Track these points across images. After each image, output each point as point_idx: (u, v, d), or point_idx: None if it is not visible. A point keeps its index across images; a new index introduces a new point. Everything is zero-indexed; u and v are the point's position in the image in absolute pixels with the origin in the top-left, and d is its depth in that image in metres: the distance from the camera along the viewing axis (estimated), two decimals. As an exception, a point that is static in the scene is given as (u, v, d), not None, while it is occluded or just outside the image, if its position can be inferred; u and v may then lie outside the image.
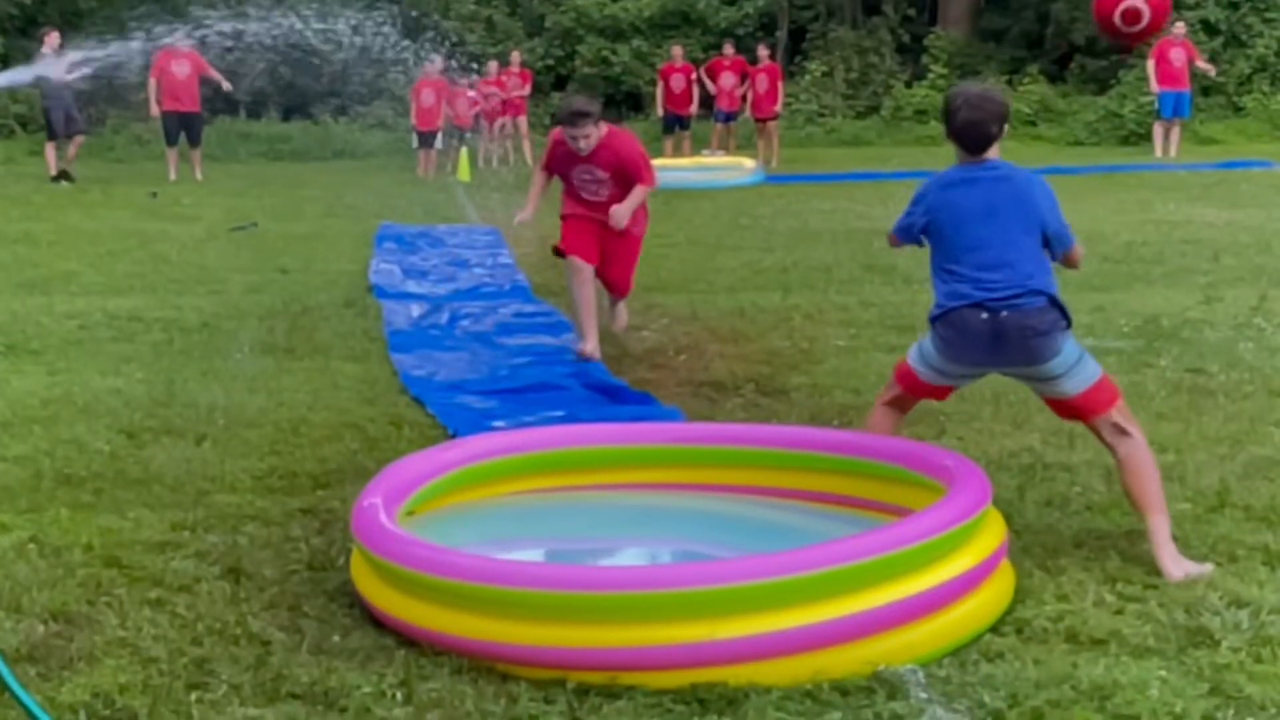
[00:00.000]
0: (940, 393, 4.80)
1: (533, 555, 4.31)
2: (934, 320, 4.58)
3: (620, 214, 7.50)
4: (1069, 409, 4.55)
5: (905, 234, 4.84)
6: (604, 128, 7.53)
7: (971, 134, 4.60)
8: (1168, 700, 3.33)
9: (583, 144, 7.42)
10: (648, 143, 25.67)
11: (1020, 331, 4.42)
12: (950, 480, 4.07)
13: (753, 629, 3.44)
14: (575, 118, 7.42)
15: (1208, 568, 4.23)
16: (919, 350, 4.71)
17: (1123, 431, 4.46)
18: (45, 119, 19.94)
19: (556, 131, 7.74)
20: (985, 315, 4.44)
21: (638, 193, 7.60)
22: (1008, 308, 4.42)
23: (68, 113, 19.62)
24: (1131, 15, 6.01)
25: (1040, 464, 5.37)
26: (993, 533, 3.98)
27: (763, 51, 23.12)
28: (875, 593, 3.57)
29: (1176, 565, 4.20)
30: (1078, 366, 4.47)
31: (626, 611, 3.47)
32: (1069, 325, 4.50)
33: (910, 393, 4.78)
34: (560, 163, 7.71)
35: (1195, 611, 3.87)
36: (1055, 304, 4.48)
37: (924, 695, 3.37)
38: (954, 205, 4.62)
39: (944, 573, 3.69)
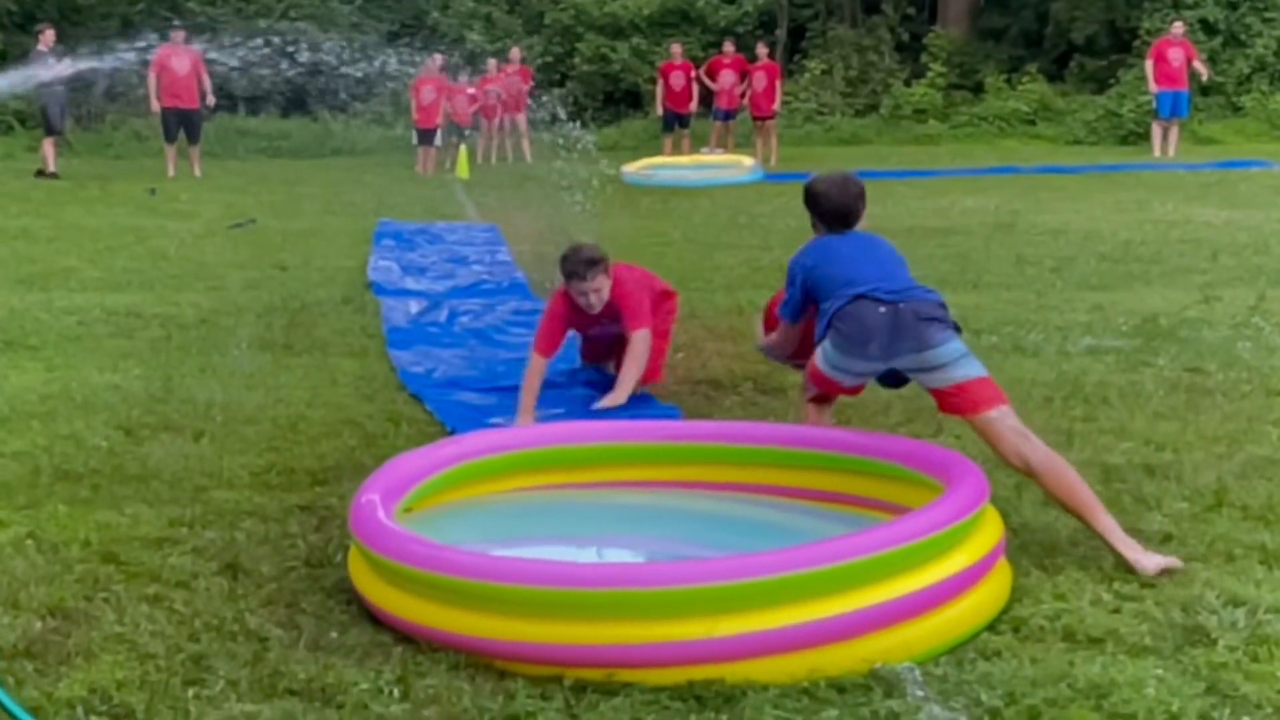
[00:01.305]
0: (854, 391, 5.10)
1: (530, 552, 4.30)
2: (832, 318, 4.83)
3: (619, 399, 6.29)
4: (957, 400, 4.66)
5: (794, 310, 5.18)
6: (613, 272, 6.44)
7: (844, 216, 5.14)
8: (1164, 699, 3.34)
9: (594, 299, 6.35)
10: (647, 140, 25.85)
11: (915, 316, 4.70)
12: (948, 478, 4.07)
13: (750, 626, 3.44)
14: (587, 267, 6.30)
15: (1175, 559, 4.25)
16: (822, 354, 4.93)
17: (1026, 437, 4.50)
18: (42, 115, 19.94)
19: (557, 296, 6.54)
20: (884, 308, 4.74)
21: (636, 354, 6.35)
22: (904, 300, 4.75)
23: (62, 109, 19.63)
24: None
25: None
26: (990, 531, 3.98)
27: (761, 50, 23.13)
28: (872, 590, 3.57)
29: (1146, 557, 4.22)
30: (965, 359, 4.68)
31: (624, 608, 3.47)
32: (957, 329, 4.80)
33: (826, 391, 5.05)
34: (568, 329, 6.66)
35: (1192, 610, 3.87)
36: (943, 306, 4.81)
37: (920, 693, 3.38)
38: (833, 250, 5.06)
39: (941, 571, 3.70)
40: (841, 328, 4.80)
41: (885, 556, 3.61)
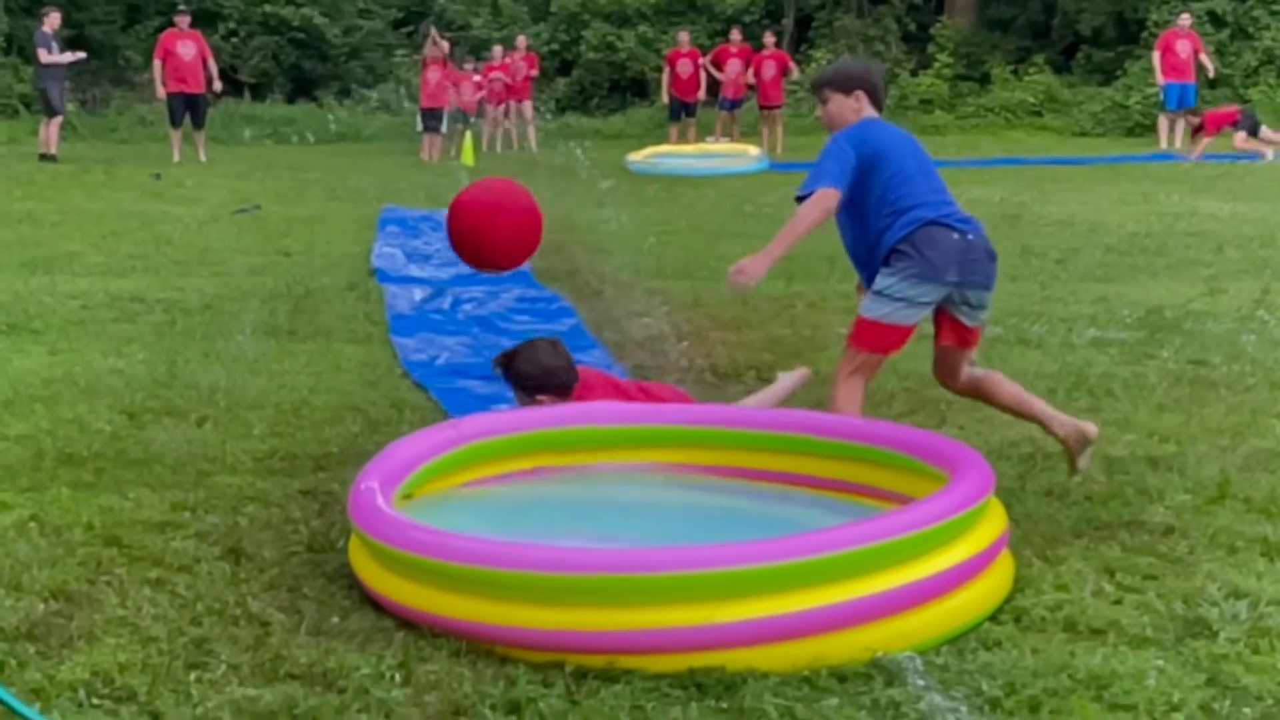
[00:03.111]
0: (899, 334, 4.94)
1: (533, 538, 4.28)
2: (900, 242, 4.81)
3: None
4: (969, 337, 5.00)
5: (848, 177, 4.86)
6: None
7: (882, 91, 5.14)
8: (1165, 690, 3.34)
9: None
10: (653, 128, 25.78)
11: (986, 253, 4.91)
12: (953, 469, 4.06)
13: (752, 613, 3.43)
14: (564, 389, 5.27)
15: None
16: (875, 296, 4.88)
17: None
18: (43, 97, 19.94)
19: None
20: (956, 235, 4.82)
21: None
22: (972, 230, 4.86)
23: (63, 91, 19.64)
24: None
25: (1040, 454, 5.36)
26: (994, 522, 3.98)
27: (769, 39, 23.08)
28: (875, 579, 3.56)
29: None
30: None
31: (625, 594, 3.47)
32: None
33: (884, 348, 4.95)
34: None
35: (1194, 602, 3.87)
36: None
37: (921, 682, 3.38)
38: (892, 140, 4.97)
39: (944, 561, 3.69)
40: (916, 253, 4.79)
41: (889, 545, 3.60)
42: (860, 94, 5.05)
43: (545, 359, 5.24)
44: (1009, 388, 5.10)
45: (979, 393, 5.13)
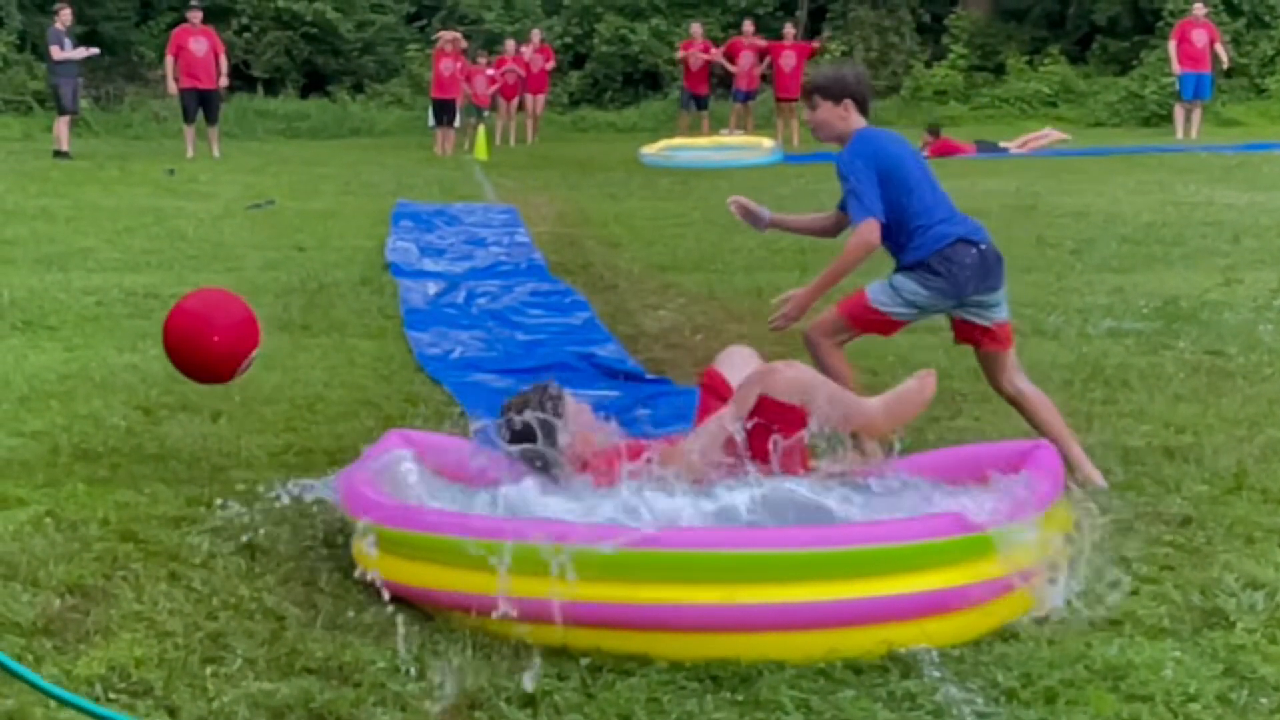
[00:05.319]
0: (895, 327, 5.15)
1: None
2: (932, 256, 4.92)
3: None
4: (996, 335, 5.05)
5: (876, 202, 4.95)
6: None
7: (870, 99, 5.18)
8: (1182, 681, 3.33)
9: None
10: (666, 121, 25.72)
11: (996, 258, 5.01)
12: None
13: (769, 598, 3.42)
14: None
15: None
16: (890, 291, 5.00)
17: (1020, 370, 5.12)
18: (54, 95, 20.00)
19: None
20: (974, 250, 4.95)
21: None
22: (984, 240, 5.00)
23: (75, 90, 19.70)
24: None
25: (1056, 445, 5.33)
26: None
27: (789, 30, 23.00)
28: (896, 581, 3.49)
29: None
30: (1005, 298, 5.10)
31: (645, 570, 3.45)
32: None
33: (868, 331, 5.12)
34: None
35: (1210, 593, 3.86)
36: None
37: (937, 674, 3.37)
38: (897, 152, 5.07)
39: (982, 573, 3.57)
40: (945, 271, 4.91)
41: (915, 548, 3.54)
42: (849, 102, 5.11)
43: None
44: (1046, 415, 5.04)
45: (1019, 406, 5.13)
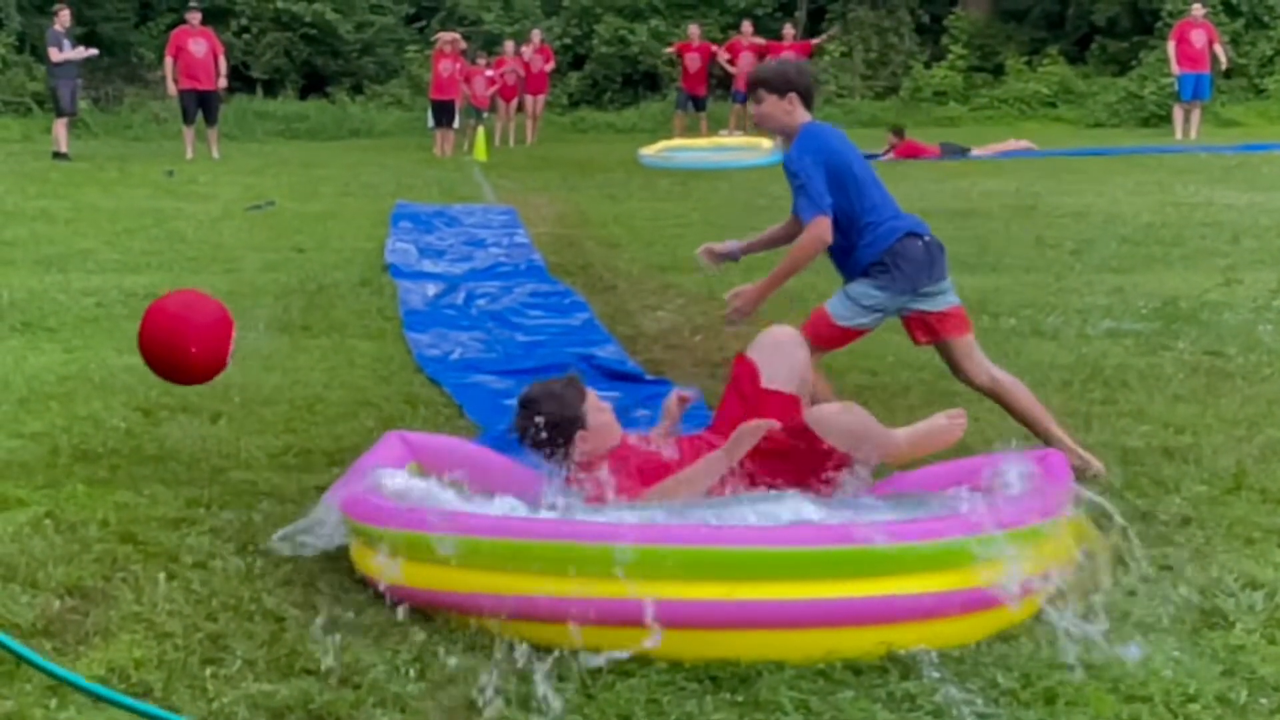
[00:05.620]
0: (860, 336, 5.20)
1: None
2: (884, 255, 4.96)
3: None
4: (952, 322, 5.08)
5: (824, 198, 4.98)
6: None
7: (815, 94, 5.23)
8: (1181, 681, 3.32)
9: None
10: (665, 122, 25.75)
11: (939, 248, 5.07)
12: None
13: (770, 595, 3.41)
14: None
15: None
16: (849, 303, 5.04)
17: (986, 359, 5.12)
18: (52, 96, 20.01)
19: None
20: (920, 243, 5.01)
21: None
22: (926, 231, 5.04)
23: (73, 92, 19.72)
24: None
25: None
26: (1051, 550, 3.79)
27: (788, 30, 23.01)
28: (897, 582, 3.48)
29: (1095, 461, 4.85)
30: (951, 284, 5.14)
31: (645, 566, 3.44)
32: None
33: (832, 346, 5.17)
34: None
35: (1210, 593, 3.86)
36: None
37: (937, 675, 3.36)
38: (841, 146, 5.10)
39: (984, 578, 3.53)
40: (895, 268, 4.96)
41: (916, 549, 3.51)
42: (794, 96, 5.13)
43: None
44: (1026, 400, 5.10)
45: (997, 396, 5.16)
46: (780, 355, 4.63)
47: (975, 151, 20.02)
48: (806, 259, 5.07)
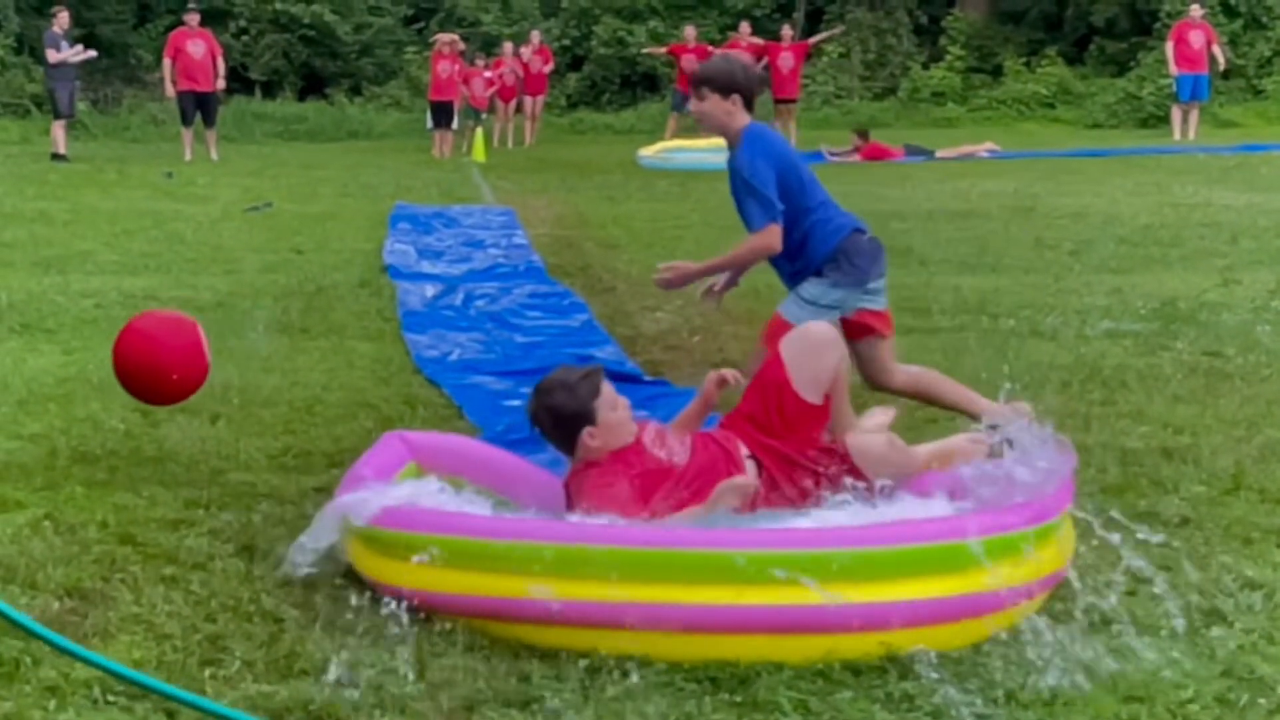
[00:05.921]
0: None
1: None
2: (838, 253, 5.02)
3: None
4: (882, 322, 5.15)
5: (775, 205, 5.04)
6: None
7: (757, 95, 5.21)
8: (1180, 682, 3.32)
9: None
10: (664, 123, 25.82)
11: (880, 246, 5.16)
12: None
13: (774, 600, 3.40)
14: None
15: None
16: (804, 305, 5.04)
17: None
18: (50, 98, 20.01)
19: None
20: (866, 238, 5.11)
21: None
22: (867, 229, 5.11)
23: (71, 94, 19.74)
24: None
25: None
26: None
27: (786, 31, 23.01)
28: (903, 586, 3.48)
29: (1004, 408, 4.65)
30: None
31: (641, 569, 3.45)
32: None
33: None
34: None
35: (1209, 593, 3.86)
36: None
37: (935, 675, 3.36)
38: (784, 148, 5.19)
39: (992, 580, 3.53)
40: (848, 263, 5.01)
41: (924, 550, 3.52)
42: (736, 97, 5.13)
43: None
44: (947, 385, 5.15)
45: (919, 390, 5.18)
46: (812, 358, 4.41)
47: (940, 154, 20.10)
48: (748, 260, 5.22)
